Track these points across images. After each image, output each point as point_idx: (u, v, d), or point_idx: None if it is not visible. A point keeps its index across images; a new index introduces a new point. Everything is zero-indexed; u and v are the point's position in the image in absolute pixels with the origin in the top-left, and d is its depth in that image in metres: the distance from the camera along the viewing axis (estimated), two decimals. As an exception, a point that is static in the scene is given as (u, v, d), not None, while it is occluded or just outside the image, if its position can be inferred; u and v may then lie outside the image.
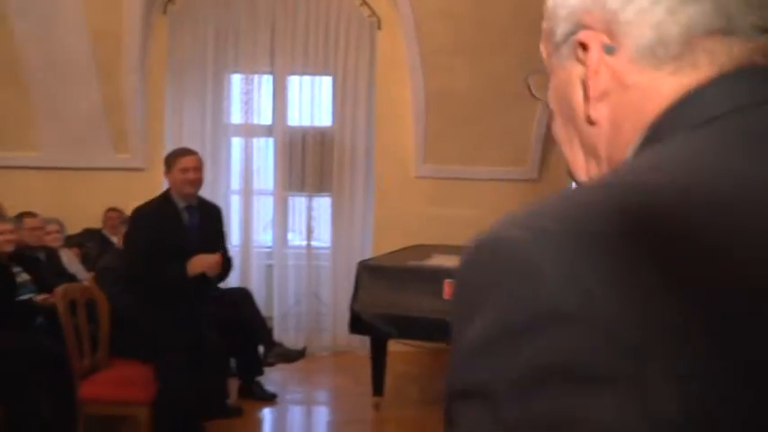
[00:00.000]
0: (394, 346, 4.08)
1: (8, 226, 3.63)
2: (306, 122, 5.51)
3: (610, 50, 0.47)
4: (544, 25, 0.53)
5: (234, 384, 3.85)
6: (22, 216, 4.07)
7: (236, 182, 5.55)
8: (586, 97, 0.49)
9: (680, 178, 0.38)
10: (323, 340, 5.37)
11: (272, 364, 3.98)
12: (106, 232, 5.08)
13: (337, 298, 5.16)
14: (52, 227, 4.46)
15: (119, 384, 3.08)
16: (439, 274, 3.24)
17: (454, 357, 0.38)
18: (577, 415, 0.32)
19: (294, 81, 5.52)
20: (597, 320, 0.32)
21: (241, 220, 5.46)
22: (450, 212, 5.65)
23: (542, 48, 0.55)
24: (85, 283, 3.86)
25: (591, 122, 0.49)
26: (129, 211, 4.32)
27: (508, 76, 5.33)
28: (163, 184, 5.39)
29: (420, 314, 3.21)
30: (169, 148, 5.56)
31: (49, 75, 5.15)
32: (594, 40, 0.47)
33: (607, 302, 0.33)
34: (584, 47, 0.48)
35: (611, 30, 0.47)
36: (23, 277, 3.65)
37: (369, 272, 3.52)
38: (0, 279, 3.46)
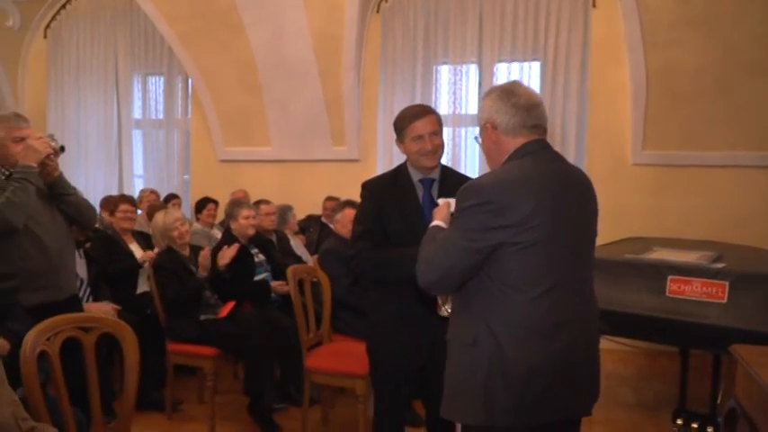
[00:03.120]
0: (605, 344, 3.83)
1: (251, 212, 4.11)
2: (513, 110, 5.42)
3: (494, 129, 1.81)
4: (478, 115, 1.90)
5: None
6: (258, 203, 4.58)
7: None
8: (489, 142, 1.86)
9: (517, 168, 1.76)
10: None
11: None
12: (325, 219, 5.49)
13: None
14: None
15: (338, 357, 3.33)
16: (661, 269, 2.97)
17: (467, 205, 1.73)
18: (490, 224, 1.68)
19: (502, 69, 5.46)
20: (498, 201, 1.67)
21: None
22: (671, 202, 5.17)
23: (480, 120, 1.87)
24: (310, 264, 4.23)
25: (489, 152, 1.89)
26: (344, 198, 4.65)
27: (746, 48, 4.71)
28: (375, 174, 5.75)
29: (638, 311, 2.97)
30: (381, 139, 5.89)
31: (279, 78, 5.73)
32: (489, 125, 1.82)
33: (498, 196, 1.68)
34: (487, 126, 1.83)
35: (494, 122, 1.81)
36: (260, 257, 4.12)
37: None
38: (243, 259, 3.95)
